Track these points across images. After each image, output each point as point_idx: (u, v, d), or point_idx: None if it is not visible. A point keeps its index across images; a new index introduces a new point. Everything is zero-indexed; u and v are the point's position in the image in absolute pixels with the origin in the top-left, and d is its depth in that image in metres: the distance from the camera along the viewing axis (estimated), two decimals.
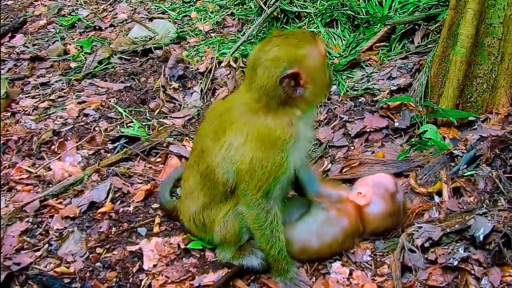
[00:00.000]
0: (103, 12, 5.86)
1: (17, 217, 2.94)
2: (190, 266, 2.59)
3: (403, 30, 4.41)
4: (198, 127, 2.97)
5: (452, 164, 2.99)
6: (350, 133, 3.51)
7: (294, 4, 4.93)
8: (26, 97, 4.17)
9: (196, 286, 2.48)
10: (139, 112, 3.96)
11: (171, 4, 5.94)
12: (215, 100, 4.12)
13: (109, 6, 6.00)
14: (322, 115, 3.73)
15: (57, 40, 5.14)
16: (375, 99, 3.83)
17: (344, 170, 3.17)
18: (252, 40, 4.81)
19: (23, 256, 2.67)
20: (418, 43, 4.31)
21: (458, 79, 3.35)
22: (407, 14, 4.54)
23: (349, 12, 4.70)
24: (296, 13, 4.89)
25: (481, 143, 3.03)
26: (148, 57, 4.68)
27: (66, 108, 3.93)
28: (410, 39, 4.40)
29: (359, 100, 3.86)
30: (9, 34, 5.33)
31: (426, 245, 2.46)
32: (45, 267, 2.63)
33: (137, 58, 4.71)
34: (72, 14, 5.80)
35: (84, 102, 4.02)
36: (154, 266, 2.59)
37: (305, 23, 4.79)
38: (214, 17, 5.52)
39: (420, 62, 3.98)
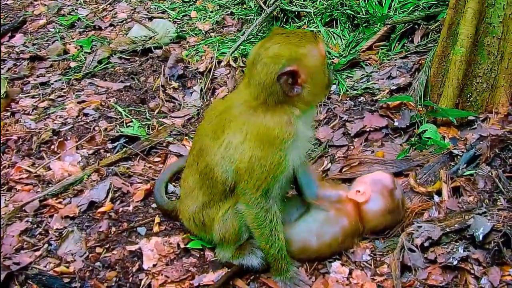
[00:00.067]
0: (103, 11, 5.86)
1: (16, 217, 2.94)
2: (190, 266, 2.59)
3: (403, 30, 4.40)
4: (198, 126, 2.97)
5: (452, 163, 2.99)
6: (349, 133, 3.51)
7: (294, 3, 4.93)
8: (25, 96, 4.17)
9: (195, 286, 2.48)
10: (139, 111, 3.96)
11: (170, 4, 5.94)
12: (214, 99, 4.12)
13: (108, 5, 5.99)
14: (321, 115, 3.73)
15: (57, 40, 5.14)
16: (374, 98, 3.83)
17: (343, 170, 3.17)
18: (251, 40, 4.81)
19: (23, 256, 2.67)
20: (418, 42, 4.31)
21: (457, 79, 3.35)
22: (407, 13, 4.54)
23: (348, 11, 4.70)
24: (296, 13, 4.89)
25: (481, 142, 3.03)
26: (148, 57, 4.67)
27: (65, 108, 3.93)
28: (410, 39, 4.40)
29: (359, 100, 3.86)
30: (9, 34, 5.33)
31: (426, 244, 2.46)
32: (45, 266, 2.63)
33: (136, 58, 4.70)
34: (71, 13, 5.79)
35: (83, 101, 4.02)
36: (154, 265, 2.59)
37: (304, 22, 4.79)
38: (214, 16, 5.52)
39: (420, 62, 3.98)
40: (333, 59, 4.41)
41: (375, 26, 4.58)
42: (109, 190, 3.11)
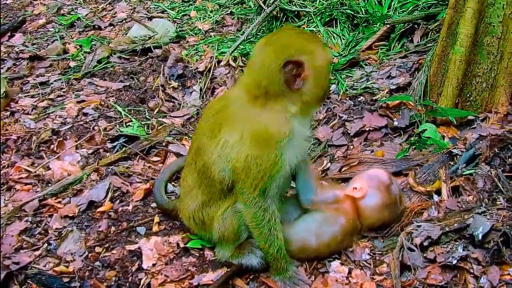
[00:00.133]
0: (103, 11, 5.86)
1: (16, 216, 2.94)
2: (189, 265, 2.59)
3: (403, 29, 4.41)
4: (196, 126, 2.97)
5: (451, 163, 2.99)
6: (349, 132, 3.51)
7: (294, 3, 4.93)
8: (25, 96, 4.17)
9: (195, 285, 2.48)
10: (138, 111, 3.96)
11: (170, 3, 5.94)
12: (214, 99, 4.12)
13: (108, 5, 5.99)
14: (321, 114, 3.73)
15: (56, 39, 5.14)
16: (374, 98, 3.83)
17: (343, 169, 3.17)
18: (251, 39, 4.81)
19: (22, 256, 2.67)
20: (418, 42, 4.31)
21: (457, 78, 3.35)
22: (407, 13, 4.54)
23: (348, 11, 4.70)
24: (296, 12, 4.90)
25: (480, 142, 3.03)
26: (148, 56, 4.67)
27: (65, 107, 3.93)
28: (410, 38, 4.40)
29: (359, 99, 3.86)
30: (8, 33, 5.33)
31: (425, 244, 2.46)
32: (44, 266, 2.63)
33: (136, 57, 4.70)
34: (71, 13, 5.79)
35: (83, 101, 4.02)
36: (153, 265, 2.59)
37: (304, 22, 4.80)
38: (214, 16, 5.52)
39: (420, 61, 3.98)
40: (333, 58, 4.41)
41: (375, 25, 4.59)
42: (109, 189, 3.11)
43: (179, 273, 2.54)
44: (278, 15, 4.90)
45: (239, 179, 2.31)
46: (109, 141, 3.58)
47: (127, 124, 3.75)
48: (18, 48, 5.02)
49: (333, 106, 3.79)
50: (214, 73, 4.40)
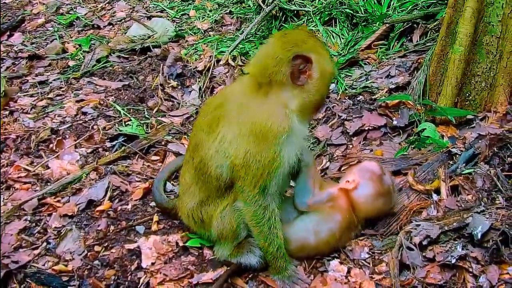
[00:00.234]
0: (102, 10, 5.86)
1: (15, 215, 2.94)
2: (189, 264, 2.59)
3: (402, 29, 4.41)
4: (194, 123, 2.97)
5: (451, 162, 2.99)
6: (348, 131, 3.51)
7: (293, 2, 4.93)
8: (24, 95, 4.17)
9: (194, 284, 2.48)
10: (138, 110, 3.96)
11: (169, 3, 5.94)
12: None
13: (107, 4, 5.99)
14: (320, 114, 3.73)
15: (55, 39, 5.13)
16: (373, 97, 3.83)
17: (342, 168, 3.17)
18: (250, 39, 4.81)
19: (22, 254, 2.67)
20: (417, 41, 4.31)
21: (456, 78, 3.35)
22: (406, 12, 4.54)
23: (347, 10, 4.70)
24: (295, 12, 4.89)
25: (480, 141, 3.02)
26: (147, 56, 4.67)
27: (64, 107, 3.93)
28: (409, 38, 4.40)
29: (358, 99, 3.86)
30: (7, 33, 5.33)
31: (424, 243, 2.46)
32: (43, 265, 2.63)
33: (135, 57, 4.71)
34: (70, 12, 5.79)
35: (82, 100, 4.01)
36: (153, 264, 2.59)
37: (303, 21, 4.79)
38: (213, 15, 5.52)
39: (419, 61, 3.98)
40: (332, 58, 4.41)
41: (374, 25, 4.59)
42: (108, 188, 3.11)
43: (178, 272, 2.53)
44: (277, 15, 4.90)
45: (239, 177, 2.31)
46: (108, 140, 3.58)
47: (126, 123, 3.75)
48: (17, 47, 5.02)
49: (332, 105, 3.79)
50: (213, 72, 4.40)
